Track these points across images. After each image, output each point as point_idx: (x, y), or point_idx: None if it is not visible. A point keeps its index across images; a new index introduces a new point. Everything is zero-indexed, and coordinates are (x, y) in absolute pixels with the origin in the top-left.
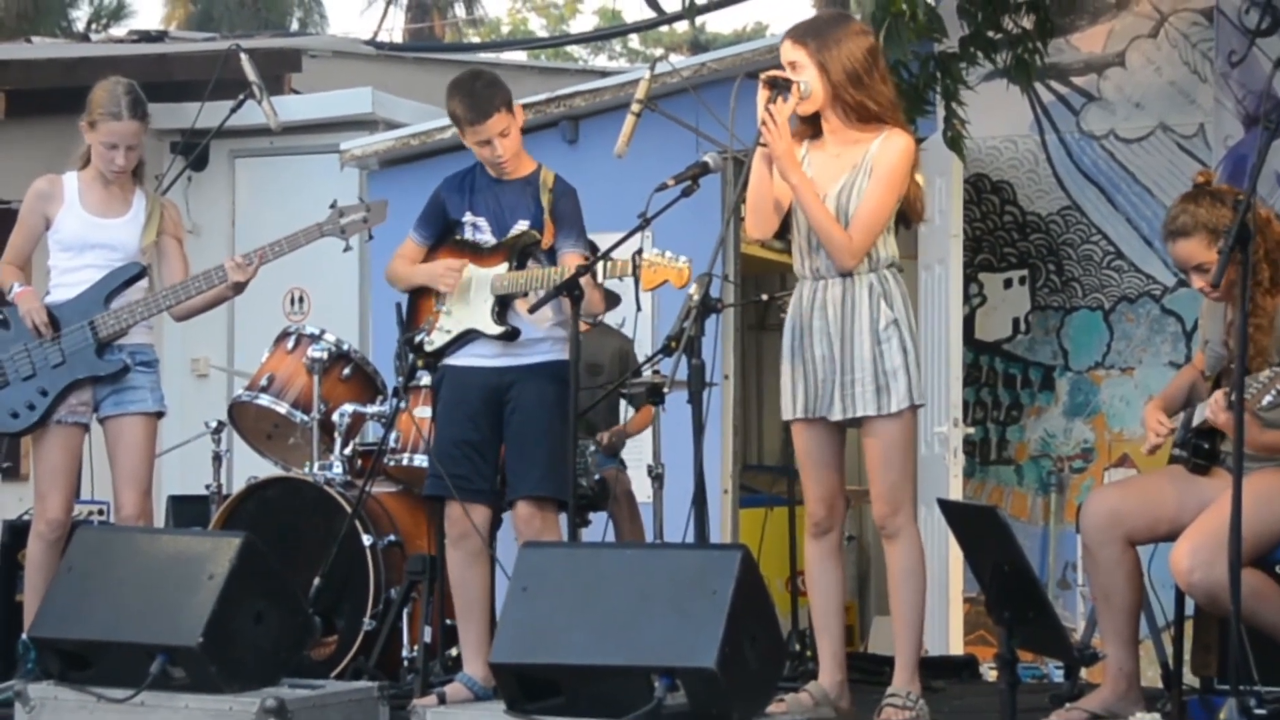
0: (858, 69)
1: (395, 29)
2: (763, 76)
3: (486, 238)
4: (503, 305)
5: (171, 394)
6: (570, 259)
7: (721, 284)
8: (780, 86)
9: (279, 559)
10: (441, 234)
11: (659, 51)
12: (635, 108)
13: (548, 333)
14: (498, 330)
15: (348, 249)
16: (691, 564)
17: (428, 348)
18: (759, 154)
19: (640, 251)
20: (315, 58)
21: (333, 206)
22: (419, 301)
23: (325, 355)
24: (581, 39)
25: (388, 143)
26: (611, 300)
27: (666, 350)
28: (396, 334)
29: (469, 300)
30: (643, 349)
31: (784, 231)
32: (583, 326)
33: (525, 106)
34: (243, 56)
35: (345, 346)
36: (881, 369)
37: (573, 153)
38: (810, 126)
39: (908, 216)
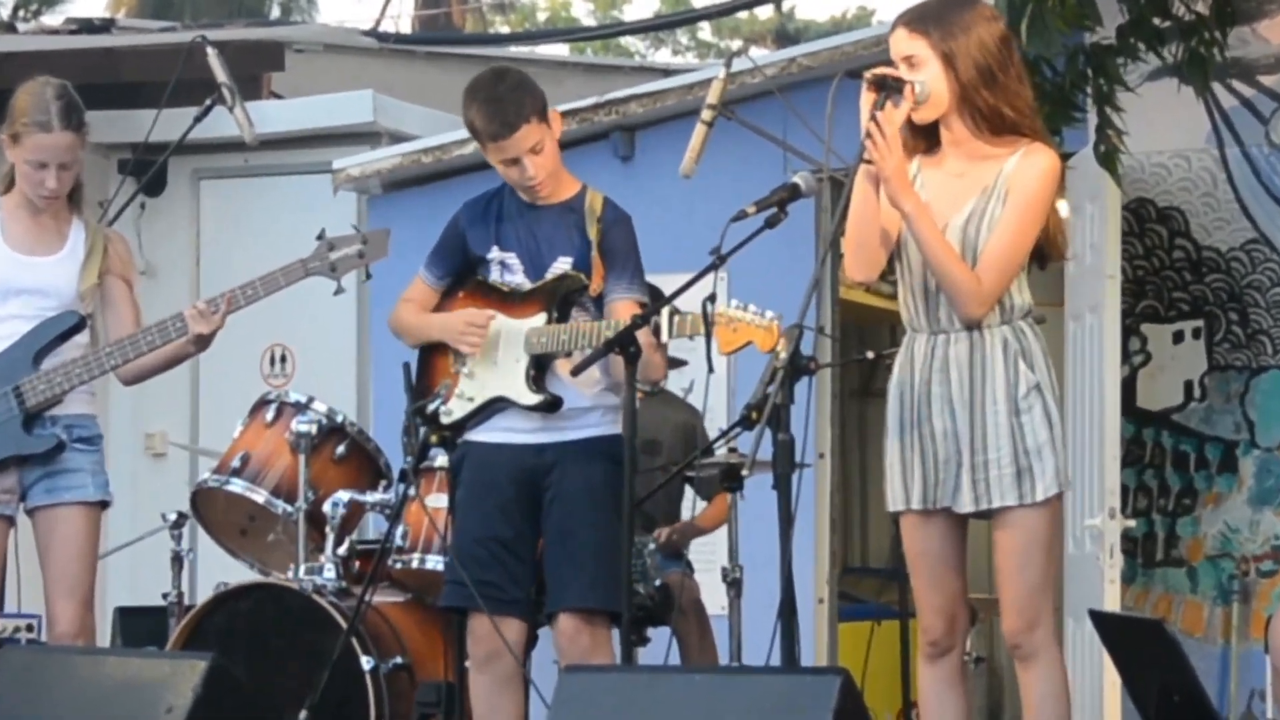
0: (991, 64)
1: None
2: (867, 75)
3: (518, 280)
4: (539, 367)
5: (119, 478)
6: (623, 307)
7: (815, 338)
8: (890, 88)
9: (255, 687)
10: (461, 274)
11: (736, 44)
12: (706, 115)
13: (596, 401)
14: (533, 399)
15: (340, 291)
16: (777, 693)
17: (444, 419)
18: (862, 173)
19: (713, 298)
20: (302, 53)
21: (320, 238)
22: (433, 360)
23: (314, 429)
24: (638, 28)
25: (393, 159)
26: (675, 361)
27: (745, 423)
28: (404, 402)
29: (497, 360)
30: (715, 422)
31: (893, 272)
32: (639, 394)
33: (566, 114)
34: (210, 51)
35: (339, 418)
36: (1021, 447)
37: (627, 171)
38: (924, 139)
39: (1045, 254)
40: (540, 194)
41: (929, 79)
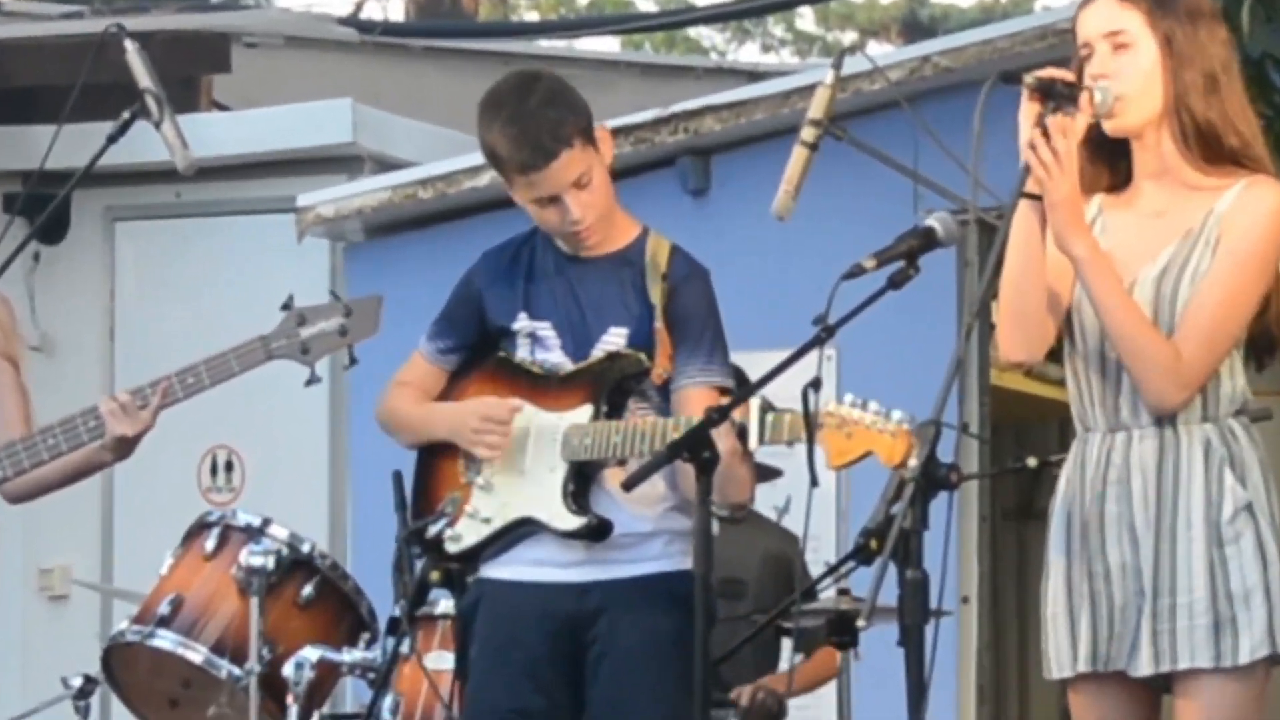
0: (1215, 66)
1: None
2: (1029, 79)
3: (555, 359)
4: (582, 478)
5: (5, 629)
6: (697, 398)
7: (958, 440)
8: (1059, 95)
9: None
10: (476, 350)
11: (848, 38)
12: (808, 134)
13: (658, 525)
14: (573, 522)
15: (315, 381)
16: None
17: (451, 548)
18: (1023, 211)
19: (817, 385)
20: (255, 47)
21: (287, 308)
22: (436, 466)
23: (271, 562)
24: (715, 16)
25: (379, 194)
26: (767, 472)
27: (862, 555)
28: (394, 525)
29: (524, 467)
30: (819, 553)
31: (1064, 350)
32: (718, 518)
33: (618, 132)
34: (129, 46)
35: (305, 547)
36: (1223, 589)
37: (700, 211)
38: (1107, 169)
39: (1270, 337)
40: (587, 243)
41: (1132, 74)
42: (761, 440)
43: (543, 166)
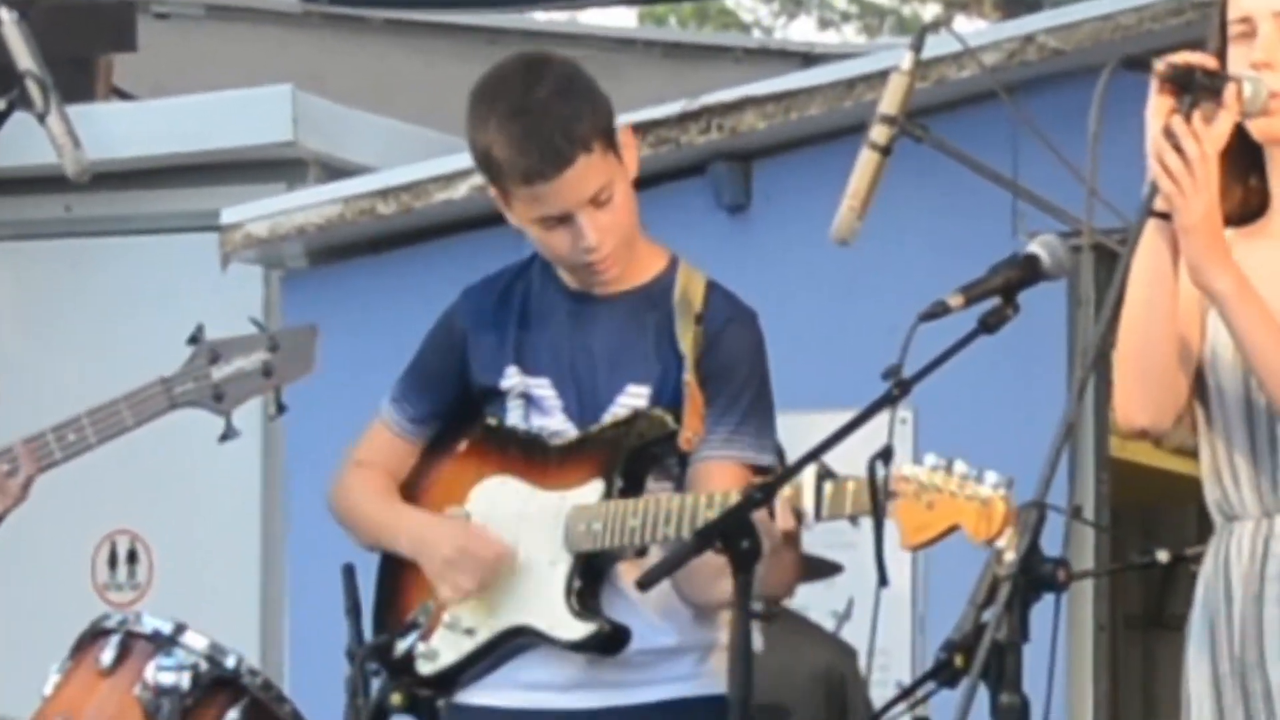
0: None
1: None
2: (1160, 67)
3: (555, 423)
4: (591, 575)
5: None
6: (716, 475)
7: (1068, 527)
8: (1199, 86)
9: None
10: (456, 415)
11: (929, 11)
12: (879, 135)
13: (684, 637)
14: (580, 630)
15: (231, 436)
16: None
17: (424, 668)
18: (1152, 234)
19: (888, 455)
20: (166, 19)
21: (196, 340)
22: (403, 559)
23: (186, 680)
24: None
25: (327, 208)
26: (820, 566)
27: (944, 675)
28: (344, 634)
29: (516, 563)
30: (889, 670)
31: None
32: (759, 630)
33: (639, 128)
34: (5, 16)
35: (231, 661)
36: None
37: (738, 231)
38: (1234, 185)
39: None
40: (604, 276)
41: None
42: (819, 515)
43: (553, 175)
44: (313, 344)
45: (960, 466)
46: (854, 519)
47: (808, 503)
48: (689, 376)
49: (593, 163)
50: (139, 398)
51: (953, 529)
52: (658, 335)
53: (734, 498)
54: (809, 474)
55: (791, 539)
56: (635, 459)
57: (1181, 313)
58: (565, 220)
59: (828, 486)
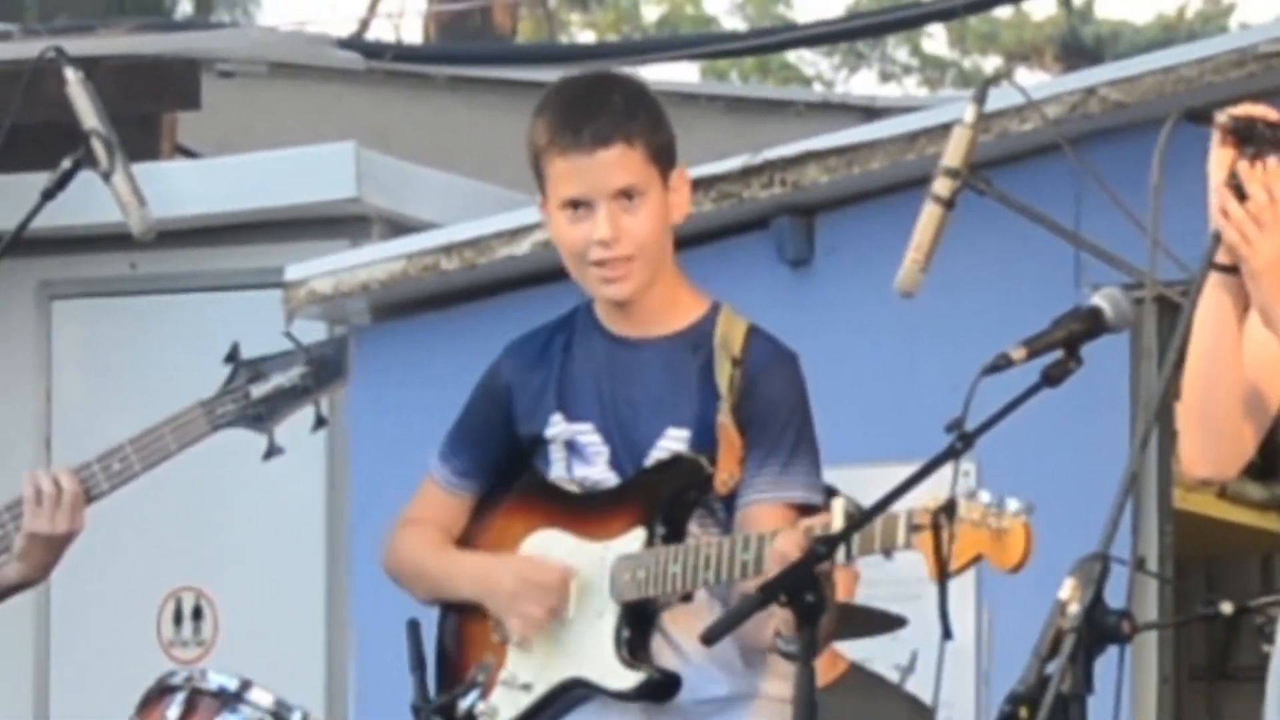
0: None
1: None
2: (1221, 119)
3: (597, 473)
4: (640, 622)
5: None
6: (766, 518)
7: (1132, 579)
8: (1263, 139)
9: None
10: (503, 470)
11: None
12: (942, 188)
13: (734, 686)
14: (630, 679)
15: (274, 454)
16: None
17: None
18: (1214, 286)
19: (951, 509)
20: (231, 77)
21: (233, 359)
22: (462, 618)
23: None
24: (815, 38)
25: (391, 264)
26: (882, 621)
27: None
28: (408, 690)
29: (566, 613)
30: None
31: (1271, 468)
32: (824, 671)
33: (696, 185)
34: (71, 76)
35: (295, 718)
36: None
37: (802, 284)
38: None
39: None
40: (611, 290)
41: None
42: (850, 556)
43: (587, 149)
44: (345, 355)
45: (984, 496)
46: (887, 553)
47: (873, 544)
48: (723, 419)
49: (631, 158)
50: (180, 421)
51: (977, 559)
52: (698, 378)
53: (770, 537)
54: (838, 514)
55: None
56: (674, 505)
57: (1255, 361)
58: (590, 210)
59: (891, 528)
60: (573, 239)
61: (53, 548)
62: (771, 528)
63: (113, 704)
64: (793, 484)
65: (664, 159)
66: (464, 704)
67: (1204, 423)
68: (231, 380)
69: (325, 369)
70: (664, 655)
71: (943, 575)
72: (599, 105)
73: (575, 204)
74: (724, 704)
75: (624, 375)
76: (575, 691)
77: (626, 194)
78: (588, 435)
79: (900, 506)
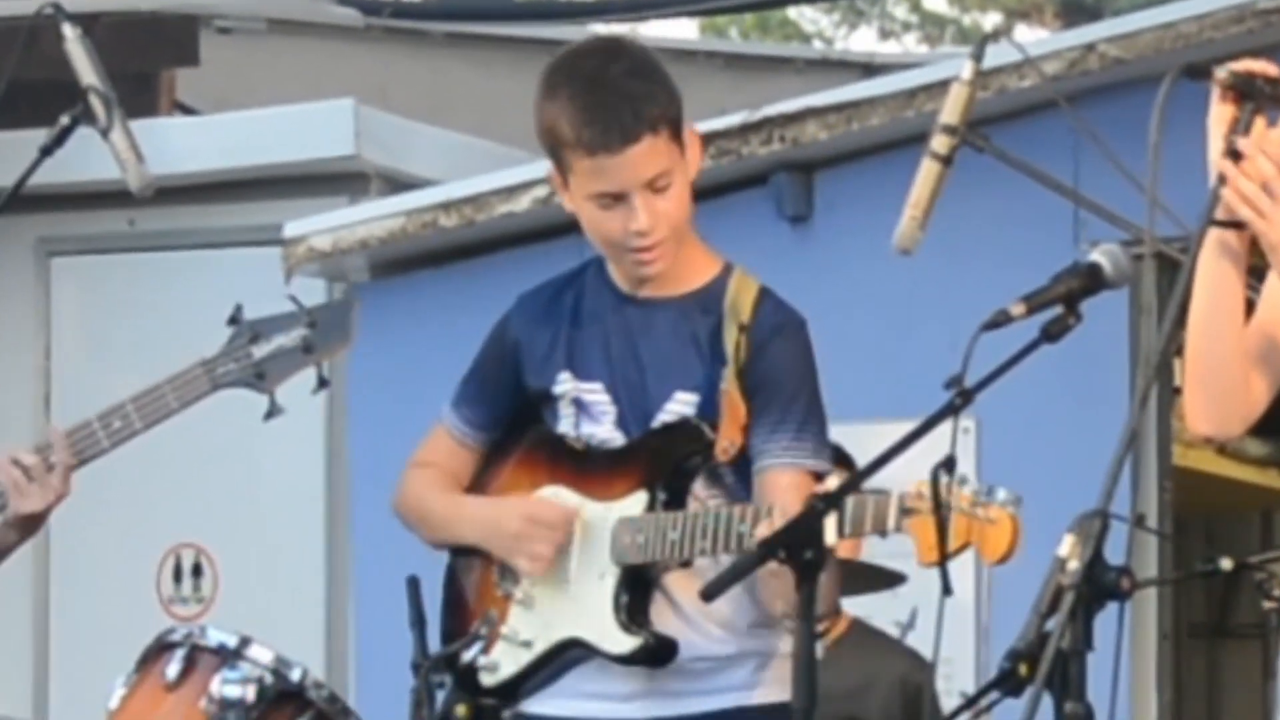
0: None
1: None
2: (1221, 74)
3: (604, 432)
4: (639, 586)
5: None
6: (785, 483)
7: (1131, 536)
8: (1262, 94)
9: None
10: (516, 420)
11: (990, 20)
12: (940, 144)
13: (742, 645)
14: (627, 643)
15: (274, 414)
16: None
17: (486, 679)
18: (1213, 247)
19: (950, 465)
20: (229, 33)
21: (235, 321)
22: (468, 571)
23: (251, 693)
24: None
25: (390, 221)
26: (882, 578)
27: (1008, 683)
28: (409, 645)
29: (568, 574)
30: (955, 679)
31: (1271, 424)
32: (827, 637)
33: (705, 139)
34: (68, 32)
35: (296, 674)
36: None
37: (801, 241)
38: None
39: None
40: (650, 267)
41: None
42: (841, 533)
43: (618, 149)
44: (351, 317)
45: (972, 484)
46: (883, 534)
47: (866, 514)
48: (727, 385)
49: (657, 146)
50: (181, 380)
51: (964, 547)
52: (708, 342)
53: (768, 511)
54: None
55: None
56: (675, 471)
57: (1272, 314)
58: (620, 200)
59: (849, 504)
60: (609, 230)
61: (41, 518)
62: (792, 490)
63: (112, 661)
64: (805, 449)
65: (678, 126)
66: (466, 657)
67: (1207, 380)
68: (233, 340)
69: (328, 331)
70: (664, 615)
71: (942, 532)
72: (619, 96)
73: (604, 194)
74: (729, 662)
75: (633, 335)
76: (574, 651)
77: (659, 182)
78: (596, 394)
79: (893, 488)
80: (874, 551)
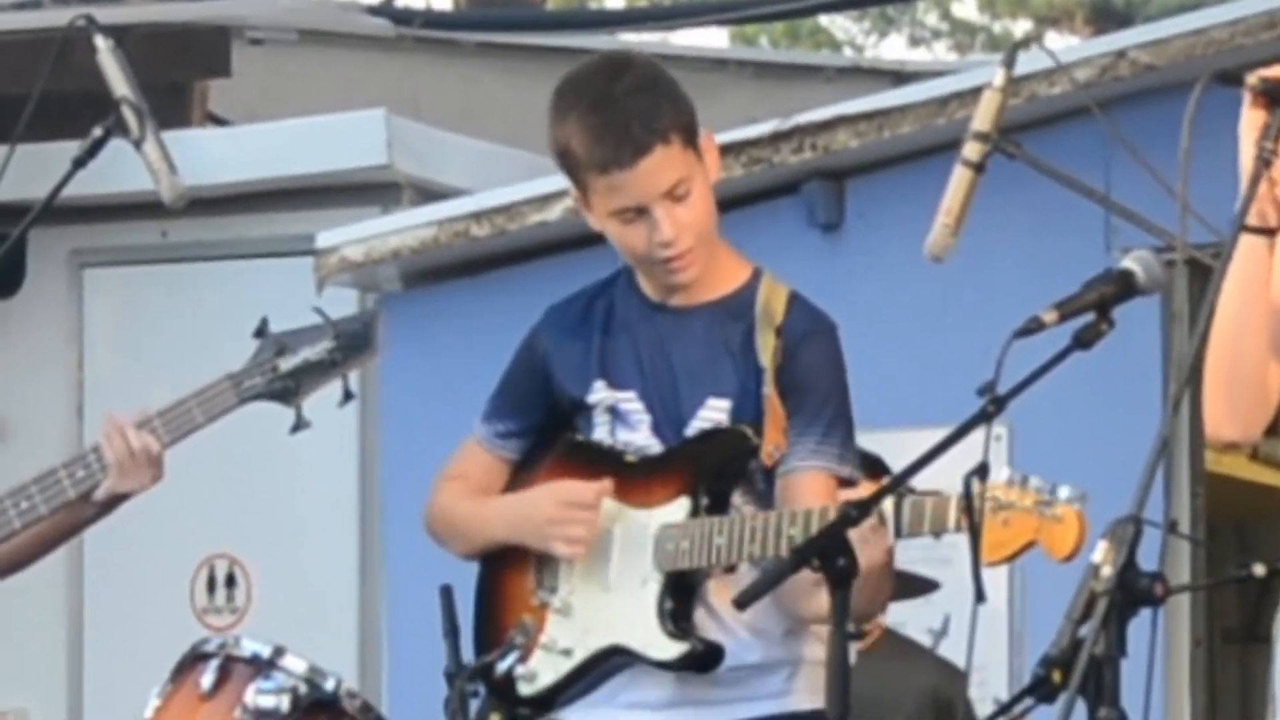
0: None
1: None
2: (1252, 81)
3: (641, 439)
4: (683, 593)
5: None
6: (808, 485)
7: (1164, 543)
8: None
9: None
10: (546, 431)
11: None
12: (972, 151)
13: (770, 652)
14: (673, 650)
15: (301, 428)
16: None
17: (524, 689)
18: (1245, 248)
19: (984, 471)
20: (260, 44)
21: (262, 334)
22: (500, 581)
23: (285, 703)
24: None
25: (422, 231)
26: (914, 585)
27: (1041, 690)
28: (442, 654)
29: (608, 581)
30: (987, 687)
31: None
32: (861, 641)
33: (727, 150)
34: (101, 44)
35: (330, 684)
36: None
37: (832, 249)
38: None
39: None
40: (681, 275)
41: None
42: (899, 533)
43: (629, 164)
44: (375, 329)
45: (1035, 481)
46: (937, 535)
47: (887, 517)
48: (769, 390)
49: (671, 155)
50: (207, 394)
51: (1030, 546)
52: (740, 348)
53: (818, 514)
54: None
55: (886, 558)
56: (719, 476)
57: None
58: (642, 213)
59: (906, 505)
60: (634, 243)
61: (112, 501)
62: (813, 496)
63: (147, 671)
64: (831, 454)
65: (693, 135)
66: (502, 666)
67: (1232, 386)
68: (259, 353)
69: (353, 343)
70: (705, 625)
71: (975, 538)
72: (626, 111)
73: (625, 210)
74: (760, 670)
75: (665, 343)
76: (615, 659)
77: (677, 190)
78: (631, 403)
79: (951, 489)
80: (904, 557)
